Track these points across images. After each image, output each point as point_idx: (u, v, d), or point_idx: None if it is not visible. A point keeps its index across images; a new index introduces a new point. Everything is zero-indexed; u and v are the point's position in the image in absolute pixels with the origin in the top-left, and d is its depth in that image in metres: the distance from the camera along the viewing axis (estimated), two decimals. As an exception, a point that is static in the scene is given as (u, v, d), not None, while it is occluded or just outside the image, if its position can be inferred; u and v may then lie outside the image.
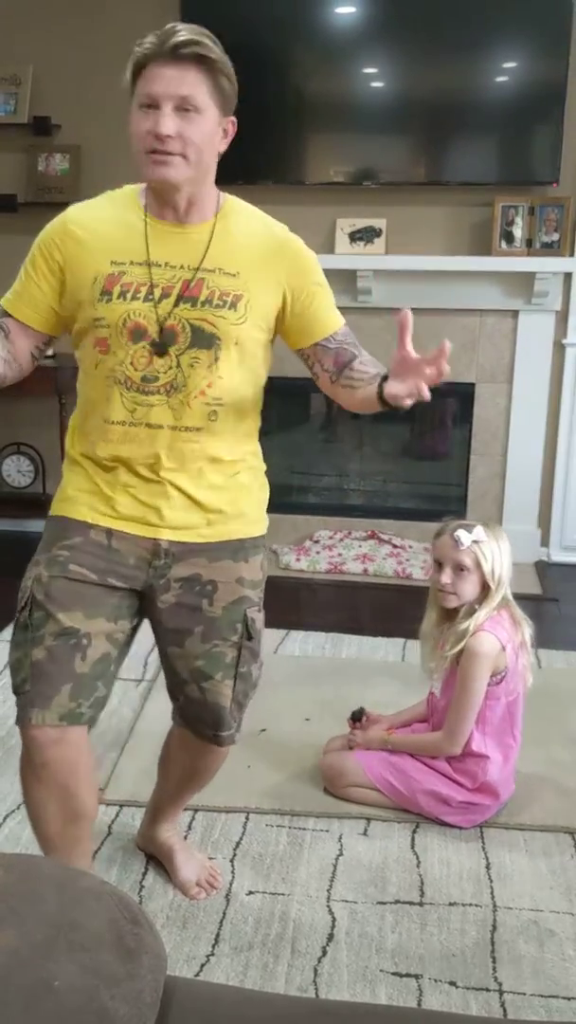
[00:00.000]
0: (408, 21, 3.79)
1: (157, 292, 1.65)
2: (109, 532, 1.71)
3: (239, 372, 1.73)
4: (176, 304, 1.65)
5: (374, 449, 4.54)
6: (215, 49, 1.61)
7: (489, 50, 3.77)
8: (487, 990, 1.82)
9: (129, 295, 1.65)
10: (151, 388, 1.67)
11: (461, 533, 2.23)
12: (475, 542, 2.22)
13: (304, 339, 1.80)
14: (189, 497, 1.71)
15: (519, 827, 2.31)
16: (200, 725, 1.85)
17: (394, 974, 1.85)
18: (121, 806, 2.36)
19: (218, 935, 1.94)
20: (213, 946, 1.91)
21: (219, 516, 1.75)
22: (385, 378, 1.65)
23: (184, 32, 1.58)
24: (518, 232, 3.90)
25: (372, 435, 4.53)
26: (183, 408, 1.68)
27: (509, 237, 3.91)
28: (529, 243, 3.91)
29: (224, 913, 2.01)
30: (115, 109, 4.24)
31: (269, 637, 3.34)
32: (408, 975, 1.85)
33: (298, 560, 4.11)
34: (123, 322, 1.65)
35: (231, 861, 2.17)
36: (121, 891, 1.09)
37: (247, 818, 2.33)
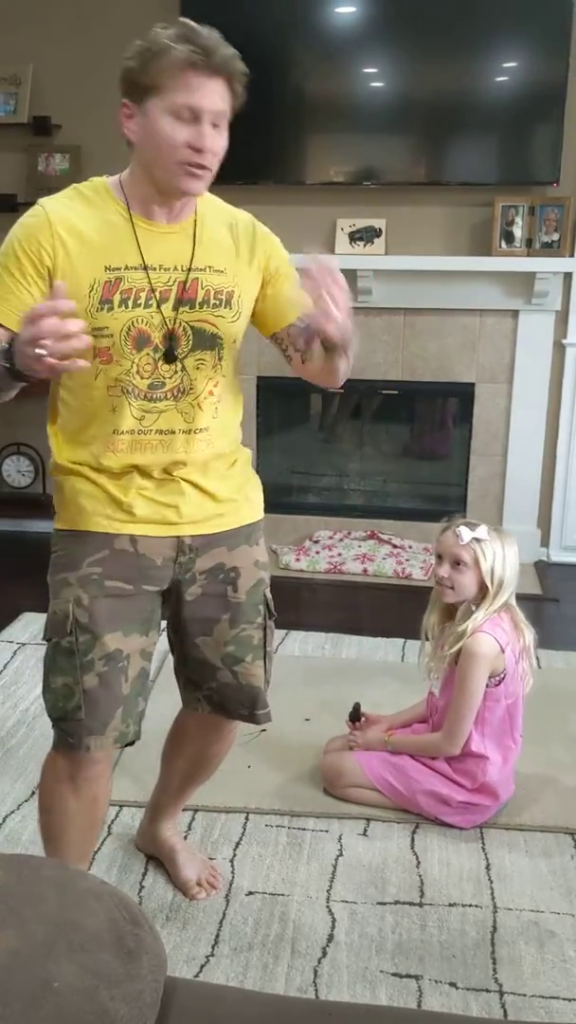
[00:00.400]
0: (408, 21, 3.79)
1: (156, 296, 1.62)
2: (132, 539, 1.70)
3: (233, 366, 1.75)
4: (176, 308, 1.63)
5: (374, 449, 4.54)
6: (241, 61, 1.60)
7: (489, 50, 3.77)
8: (487, 991, 1.82)
9: (131, 302, 1.60)
10: (159, 395, 1.65)
11: (463, 528, 2.24)
12: (476, 539, 2.22)
13: (280, 321, 1.77)
14: (203, 491, 1.72)
15: (519, 828, 2.31)
16: (236, 706, 1.87)
17: (394, 975, 1.85)
18: (121, 806, 2.36)
19: (218, 936, 1.94)
20: (213, 947, 1.91)
21: (231, 504, 1.76)
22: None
23: (221, 43, 1.57)
24: (518, 232, 3.90)
25: (372, 435, 4.53)
26: (194, 410, 1.67)
27: (509, 237, 3.91)
28: (529, 243, 3.91)
29: (224, 913, 2.01)
30: (115, 110, 4.23)
31: (269, 637, 3.36)
32: (408, 976, 1.85)
33: (298, 560, 4.10)
34: (127, 330, 1.61)
35: (231, 861, 2.17)
36: (121, 892, 1.09)
37: (247, 818, 2.33)
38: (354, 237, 4.02)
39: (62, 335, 1.33)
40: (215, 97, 1.56)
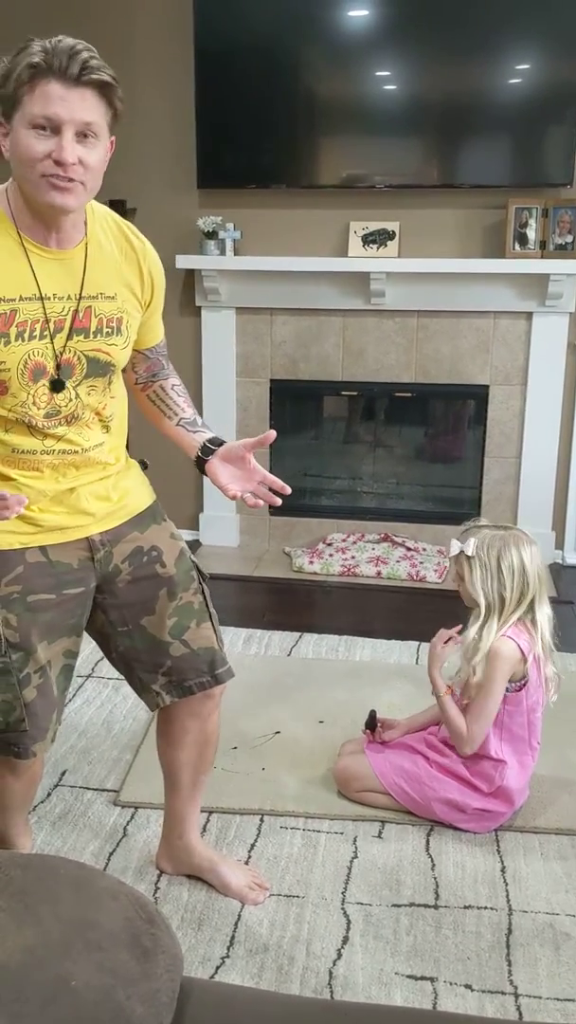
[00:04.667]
0: (420, 23, 3.79)
1: (51, 327, 1.62)
2: (43, 549, 1.74)
3: (121, 384, 1.82)
4: (69, 337, 1.64)
5: (387, 451, 4.54)
6: (111, 71, 1.56)
7: (502, 52, 3.77)
8: (503, 993, 1.81)
9: (27, 334, 1.59)
10: (55, 422, 1.68)
11: (453, 541, 2.24)
12: (465, 556, 2.21)
13: (139, 345, 1.83)
14: (101, 496, 1.78)
15: (534, 830, 2.30)
16: (196, 676, 1.90)
17: (409, 977, 1.85)
18: (136, 808, 2.37)
19: (233, 937, 1.95)
20: (228, 948, 1.92)
21: (128, 495, 1.84)
22: (212, 446, 1.80)
23: (83, 51, 1.51)
24: (532, 234, 3.89)
25: (385, 437, 4.53)
26: (86, 430, 1.73)
27: (523, 239, 3.90)
28: (543, 245, 3.90)
29: (239, 915, 2.01)
30: (128, 114, 4.24)
31: (283, 640, 3.36)
32: (423, 978, 1.85)
33: (311, 563, 4.11)
34: (24, 363, 1.60)
35: (246, 863, 2.17)
36: (138, 891, 1.09)
37: (262, 820, 2.33)
38: (367, 240, 4.03)
39: None
40: (77, 108, 1.50)
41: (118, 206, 4.10)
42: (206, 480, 4.16)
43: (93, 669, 3.12)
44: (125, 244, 1.73)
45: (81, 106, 1.51)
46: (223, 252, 4.06)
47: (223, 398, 4.31)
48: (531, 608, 2.22)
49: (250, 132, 4.00)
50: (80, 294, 1.64)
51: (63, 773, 2.52)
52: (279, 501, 1.76)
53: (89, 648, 3.24)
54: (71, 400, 1.67)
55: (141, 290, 1.75)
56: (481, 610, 2.22)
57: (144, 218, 4.18)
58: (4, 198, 1.61)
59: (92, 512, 1.76)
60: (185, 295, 4.26)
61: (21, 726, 1.76)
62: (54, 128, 1.50)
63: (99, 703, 2.90)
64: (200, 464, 1.81)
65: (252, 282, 4.14)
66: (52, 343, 1.62)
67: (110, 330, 1.68)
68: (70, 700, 2.91)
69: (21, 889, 1.02)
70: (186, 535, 4.50)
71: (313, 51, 3.91)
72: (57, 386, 1.65)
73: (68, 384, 1.66)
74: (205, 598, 1.93)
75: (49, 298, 1.61)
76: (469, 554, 2.20)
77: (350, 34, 3.85)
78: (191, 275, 4.21)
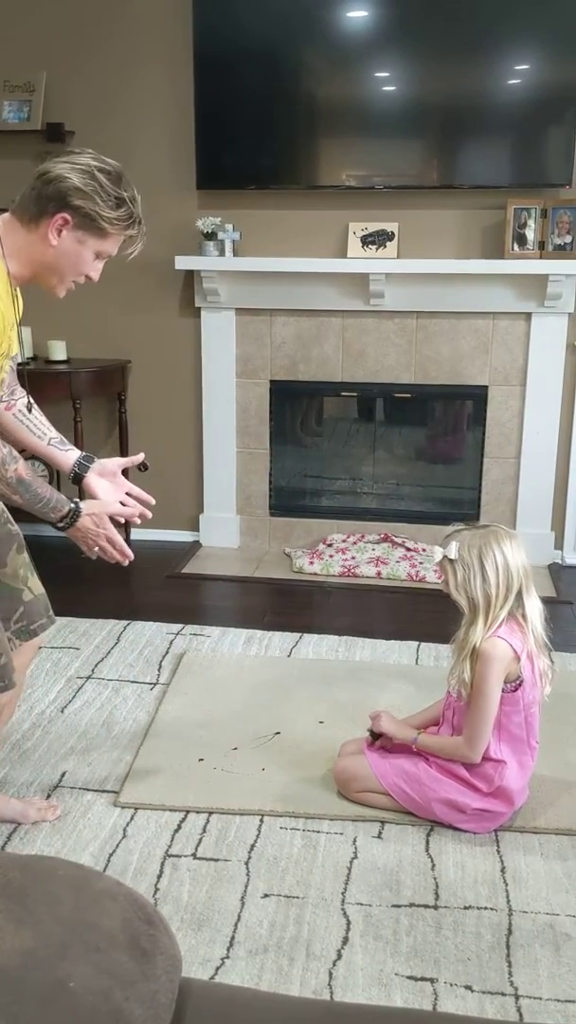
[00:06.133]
0: (420, 24, 3.80)
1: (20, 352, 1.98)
2: None
3: None
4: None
5: (387, 452, 4.54)
6: None
7: (501, 53, 3.77)
8: (503, 994, 1.81)
9: (6, 359, 1.93)
10: None
11: (436, 548, 2.25)
12: (448, 560, 2.22)
13: None
14: None
15: (534, 830, 2.30)
16: (39, 617, 2.17)
17: (409, 977, 1.85)
18: (136, 809, 2.37)
19: (233, 938, 1.95)
20: (228, 949, 1.92)
21: None
22: (86, 464, 2.11)
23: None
24: (531, 235, 3.89)
25: (385, 438, 4.53)
26: None
27: (522, 240, 3.90)
28: (542, 245, 3.90)
29: (239, 916, 2.01)
30: (128, 115, 4.27)
31: (283, 640, 3.36)
32: (423, 979, 1.85)
33: (312, 563, 4.11)
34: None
35: (246, 864, 2.18)
36: (136, 893, 1.09)
37: (261, 821, 2.33)
38: (366, 241, 4.03)
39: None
40: None
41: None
42: (206, 481, 4.29)
43: (93, 670, 3.12)
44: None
45: None
46: (222, 253, 4.06)
47: (223, 399, 4.31)
48: (520, 602, 2.23)
49: (249, 133, 4.00)
50: (19, 321, 1.95)
51: (63, 774, 2.52)
52: (149, 515, 2.11)
53: (89, 648, 3.26)
54: None
55: (13, 314, 1.97)
56: (467, 610, 2.24)
57: (144, 218, 4.18)
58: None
59: None
60: (184, 296, 4.27)
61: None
62: (102, 260, 1.92)
63: (99, 704, 2.90)
64: (77, 479, 2.11)
65: (252, 283, 4.14)
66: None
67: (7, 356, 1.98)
68: (69, 702, 2.91)
69: (19, 890, 1.02)
70: (186, 536, 4.52)
71: (312, 52, 3.91)
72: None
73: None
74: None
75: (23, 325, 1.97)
76: (452, 557, 2.22)
77: (350, 35, 3.85)
78: (190, 276, 4.21)
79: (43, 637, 2.23)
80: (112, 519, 2.06)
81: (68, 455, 2.13)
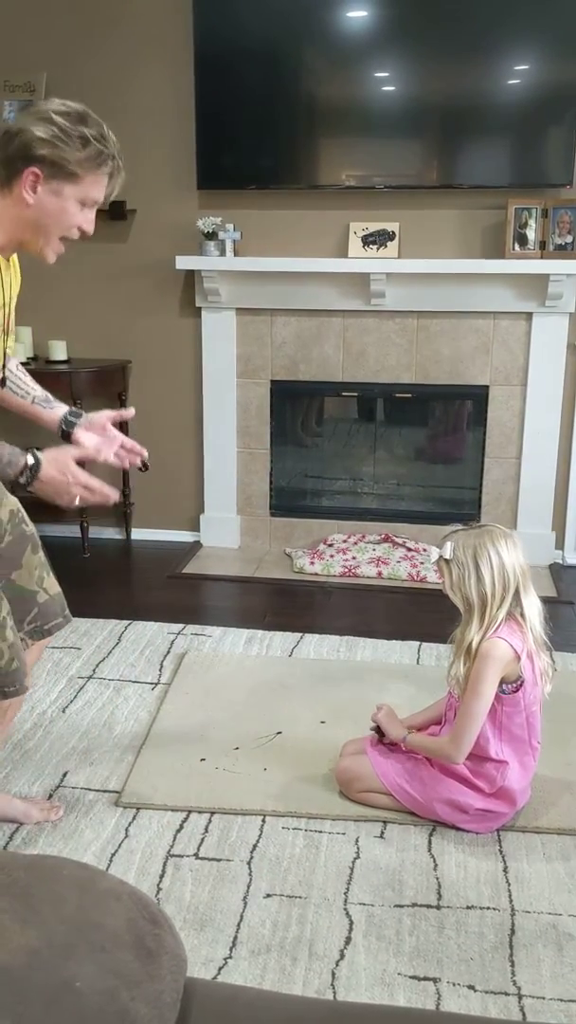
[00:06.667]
0: (420, 24, 3.80)
1: (3, 328, 1.91)
2: None
3: None
4: (4, 338, 1.94)
5: (388, 452, 4.54)
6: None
7: (501, 53, 3.77)
8: (506, 994, 1.81)
9: None
10: None
11: (432, 549, 2.26)
12: (444, 560, 2.22)
13: None
14: None
15: (536, 830, 2.30)
16: (54, 617, 2.16)
17: (412, 977, 1.85)
18: (138, 809, 2.36)
19: (236, 938, 1.94)
20: (231, 949, 1.91)
21: None
22: (73, 419, 2.05)
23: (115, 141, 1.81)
24: (531, 234, 3.89)
25: (386, 438, 4.53)
26: None
27: (522, 239, 3.90)
28: (543, 245, 3.90)
29: (242, 916, 2.01)
30: (128, 115, 4.27)
31: (284, 641, 3.36)
32: (426, 979, 1.85)
33: (312, 564, 4.11)
34: None
35: (248, 864, 2.17)
36: (141, 892, 1.09)
37: (264, 821, 2.33)
38: (367, 241, 4.03)
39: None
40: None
41: (118, 207, 4.10)
42: (207, 482, 4.28)
43: (94, 670, 3.12)
44: (7, 255, 1.94)
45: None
46: (223, 253, 4.06)
47: (223, 399, 4.31)
48: (517, 601, 2.23)
49: (250, 133, 4.00)
50: (6, 300, 1.90)
51: (64, 774, 2.52)
52: (138, 462, 2.04)
53: (90, 648, 3.26)
54: None
55: (14, 292, 1.97)
56: (463, 610, 2.24)
57: (144, 219, 4.19)
58: None
59: None
60: (185, 296, 4.26)
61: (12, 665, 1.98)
62: (89, 207, 1.81)
63: (100, 704, 2.90)
64: (65, 436, 2.04)
65: (252, 283, 4.14)
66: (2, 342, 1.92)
67: (5, 333, 1.95)
68: (71, 701, 2.91)
69: (24, 890, 1.02)
70: (187, 536, 4.52)
71: (313, 52, 3.91)
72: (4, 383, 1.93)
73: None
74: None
75: (3, 304, 1.88)
76: (447, 557, 2.22)
77: (350, 35, 3.85)
78: (191, 276, 4.21)
79: (53, 637, 2.23)
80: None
81: (55, 412, 2.05)
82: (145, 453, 2.04)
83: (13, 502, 2.08)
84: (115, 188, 1.83)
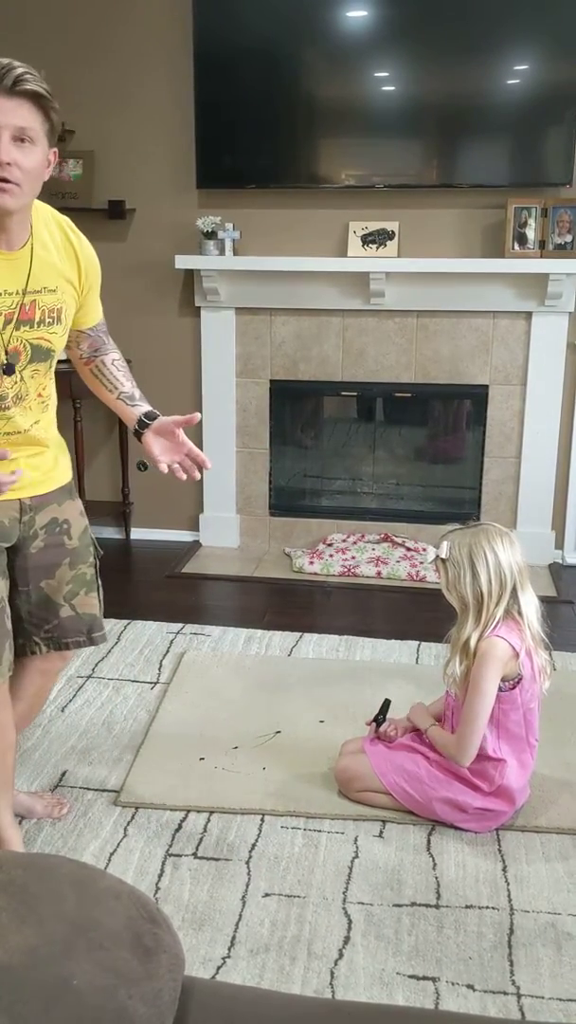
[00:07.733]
0: (419, 24, 3.80)
1: (2, 319, 1.82)
2: None
3: (54, 367, 2.01)
4: (17, 328, 1.84)
5: (387, 452, 4.54)
6: (46, 86, 1.73)
7: (501, 52, 3.77)
8: (505, 993, 1.81)
9: None
10: (5, 404, 1.89)
11: (429, 548, 2.26)
12: (441, 559, 2.22)
13: (78, 324, 2.04)
14: (35, 464, 2.01)
15: (536, 830, 2.30)
16: (75, 635, 2.16)
17: (411, 977, 1.85)
18: (137, 808, 2.36)
19: (234, 937, 1.94)
20: (229, 948, 1.91)
21: (54, 469, 2.07)
22: (147, 420, 2.04)
23: (18, 67, 1.68)
24: (531, 234, 3.89)
25: (385, 438, 4.53)
26: (28, 412, 1.95)
27: (522, 239, 3.90)
28: (542, 244, 3.90)
29: (240, 915, 2.01)
30: (127, 114, 4.27)
31: (283, 640, 3.36)
32: (425, 978, 1.84)
33: (312, 563, 4.11)
34: None
35: (247, 863, 2.17)
36: (139, 891, 1.09)
37: (262, 820, 2.33)
38: (367, 240, 4.03)
39: None
40: (11, 114, 1.68)
41: (117, 206, 4.10)
42: (206, 481, 4.29)
43: (94, 670, 3.11)
44: (65, 241, 1.93)
45: (16, 113, 1.68)
46: (222, 252, 4.06)
47: (223, 398, 4.31)
48: (515, 599, 2.22)
49: (249, 132, 4.00)
50: (25, 289, 1.83)
51: (63, 774, 2.52)
52: (198, 475, 2.03)
53: (90, 647, 3.25)
54: (16, 382, 1.88)
55: (78, 281, 1.96)
56: (459, 609, 2.24)
57: (143, 218, 4.19)
58: None
59: (25, 479, 1.96)
60: (184, 295, 4.26)
61: None
62: None
63: (99, 703, 2.90)
64: (138, 435, 2.05)
65: (251, 282, 4.14)
66: (1, 334, 1.82)
67: (51, 320, 1.90)
68: (70, 701, 2.91)
69: (22, 888, 1.02)
70: (186, 536, 4.52)
71: (312, 51, 3.91)
72: (8, 370, 1.85)
73: (16, 369, 1.86)
74: (96, 571, 2.19)
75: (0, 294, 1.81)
76: (443, 557, 2.22)
77: (349, 35, 3.85)
78: (190, 275, 4.21)
79: (71, 654, 2.24)
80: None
81: (134, 411, 2.07)
82: (209, 465, 2.01)
83: (63, 512, 2.08)
84: (9, 80, 1.65)
